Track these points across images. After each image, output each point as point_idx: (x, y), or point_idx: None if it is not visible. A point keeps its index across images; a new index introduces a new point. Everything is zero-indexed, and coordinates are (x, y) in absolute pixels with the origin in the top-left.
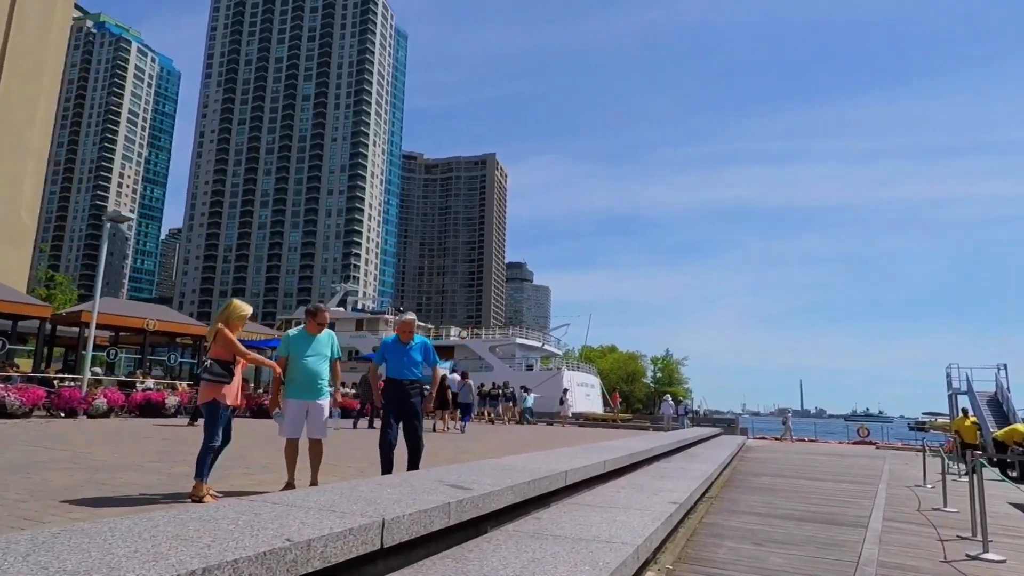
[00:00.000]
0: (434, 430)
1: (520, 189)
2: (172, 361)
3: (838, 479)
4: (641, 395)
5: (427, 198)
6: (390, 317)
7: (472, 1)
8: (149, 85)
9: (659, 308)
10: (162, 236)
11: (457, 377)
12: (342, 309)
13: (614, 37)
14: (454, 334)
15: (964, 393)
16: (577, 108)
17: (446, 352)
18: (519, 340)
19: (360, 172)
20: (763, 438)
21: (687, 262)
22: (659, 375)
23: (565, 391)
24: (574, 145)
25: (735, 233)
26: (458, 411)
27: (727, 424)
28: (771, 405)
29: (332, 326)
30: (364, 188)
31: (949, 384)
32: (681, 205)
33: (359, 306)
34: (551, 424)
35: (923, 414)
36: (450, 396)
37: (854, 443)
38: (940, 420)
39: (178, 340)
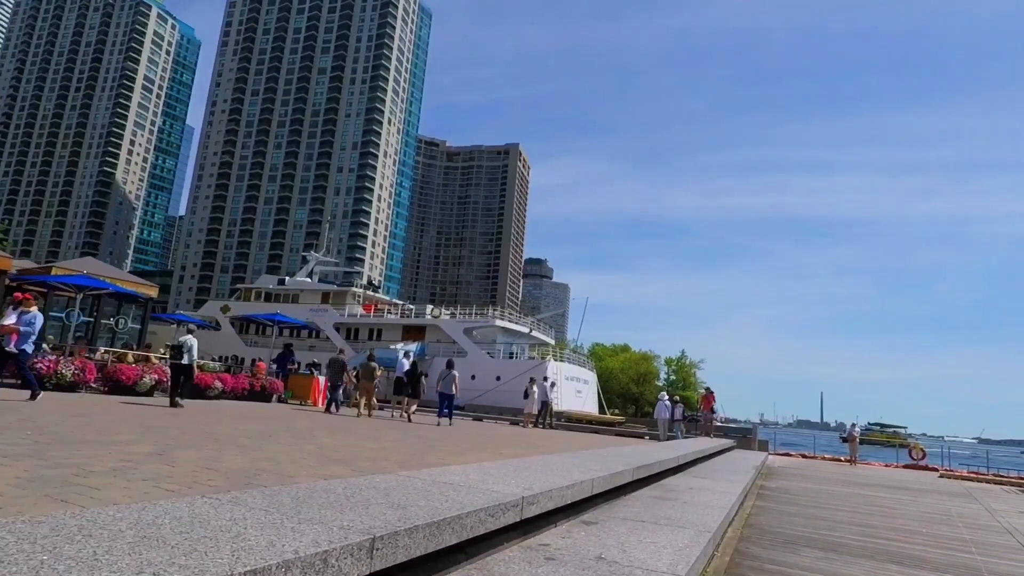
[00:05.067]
0: (409, 420)
1: (547, 188)
2: (73, 319)
3: (956, 555)
4: (652, 397)
5: (447, 186)
6: (359, 291)
7: None
8: (167, 52)
9: (680, 313)
10: (181, 211)
11: (406, 363)
12: (309, 280)
13: (650, 39)
14: (428, 312)
15: None
16: (610, 109)
17: (416, 333)
18: (500, 323)
19: (372, 151)
20: (787, 454)
21: (712, 268)
22: (672, 377)
23: (531, 381)
24: (604, 146)
25: (763, 242)
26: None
27: (742, 435)
28: (789, 416)
29: (296, 299)
30: (376, 167)
31: None
32: (710, 211)
33: (356, 285)
34: (513, 423)
35: (869, 424)
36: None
37: (905, 467)
38: (895, 432)
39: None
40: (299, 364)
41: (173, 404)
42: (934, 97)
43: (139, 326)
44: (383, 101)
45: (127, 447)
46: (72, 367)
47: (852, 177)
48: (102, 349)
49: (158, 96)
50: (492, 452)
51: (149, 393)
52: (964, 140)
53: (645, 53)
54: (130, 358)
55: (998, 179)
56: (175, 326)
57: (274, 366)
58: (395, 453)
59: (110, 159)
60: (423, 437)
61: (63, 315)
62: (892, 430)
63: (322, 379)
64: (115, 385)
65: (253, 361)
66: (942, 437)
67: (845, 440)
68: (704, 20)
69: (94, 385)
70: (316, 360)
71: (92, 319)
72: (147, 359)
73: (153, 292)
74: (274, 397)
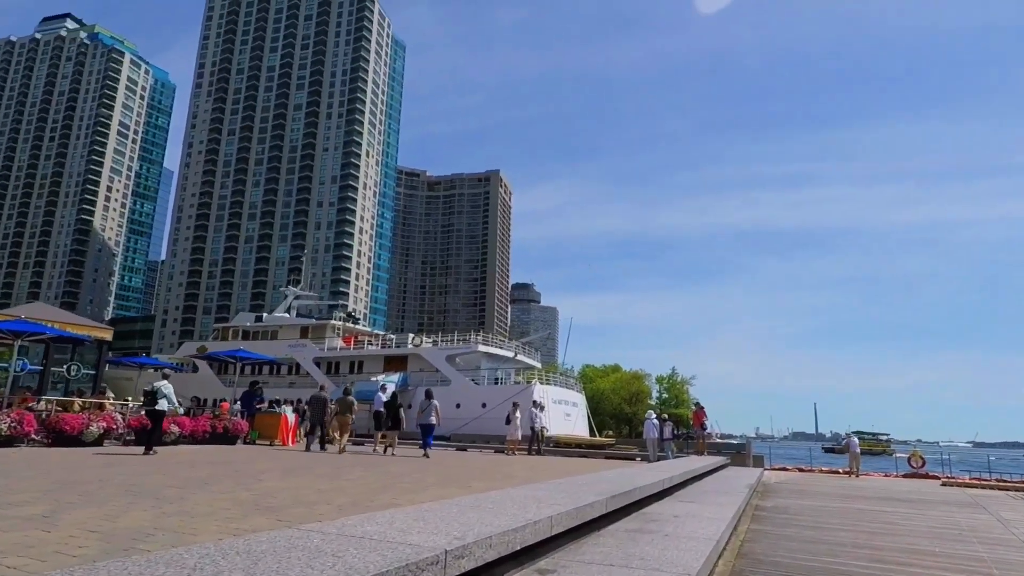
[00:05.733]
0: (385, 452)
1: (532, 213)
2: (18, 368)
3: None
4: (645, 417)
5: (429, 216)
6: (338, 324)
7: (487, 26)
8: (142, 97)
9: (671, 331)
10: (162, 256)
11: (383, 396)
12: (287, 315)
13: (630, 62)
14: (409, 341)
15: None
16: (592, 132)
17: (397, 363)
18: (483, 348)
19: (352, 183)
20: (783, 468)
21: (700, 285)
22: (664, 395)
23: (514, 406)
24: (588, 169)
25: (749, 257)
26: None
27: (736, 451)
28: (785, 429)
29: (275, 335)
30: (356, 200)
31: None
32: (695, 228)
33: (335, 318)
34: (498, 451)
35: (847, 433)
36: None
37: (905, 476)
38: (877, 439)
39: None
40: (266, 402)
41: (147, 451)
42: (908, 109)
43: (95, 372)
44: (360, 134)
45: (11, 509)
46: (8, 420)
47: (831, 189)
48: (44, 399)
49: (134, 141)
50: (459, 487)
51: (98, 442)
52: (939, 149)
53: (626, 76)
54: (76, 406)
55: (972, 186)
56: (151, 370)
57: (237, 405)
58: (344, 495)
59: (87, 207)
60: (389, 473)
61: (8, 365)
62: (874, 437)
63: (290, 416)
64: (59, 436)
65: (215, 402)
66: (937, 442)
67: (829, 451)
68: (683, 43)
69: (36, 438)
70: (278, 397)
71: (42, 367)
72: (100, 407)
73: (107, 335)
74: (239, 439)
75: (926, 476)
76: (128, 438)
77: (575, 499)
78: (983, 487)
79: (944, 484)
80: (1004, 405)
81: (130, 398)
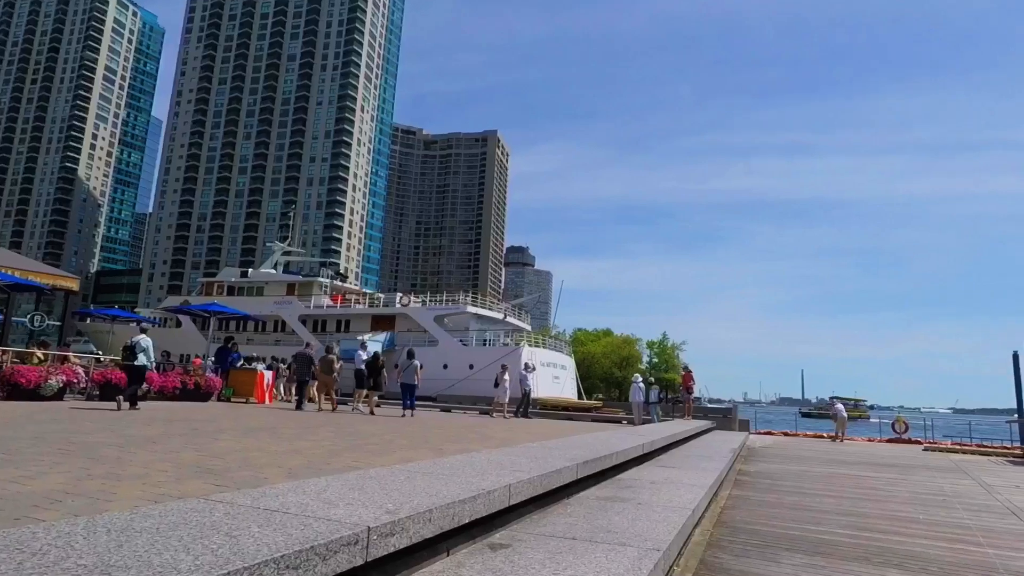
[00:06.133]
0: (371, 413)
1: (529, 176)
2: None
3: (965, 550)
4: (632, 380)
5: (425, 175)
6: (325, 281)
7: None
8: (129, 41)
9: (666, 296)
10: (149, 208)
11: (363, 354)
12: (273, 271)
13: (631, 26)
14: (397, 300)
15: None
16: (591, 96)
17: (385, 323)
18: (472, 309)
19: (346, 139)
20: (769, 433)
21: (695, 252)
22: (655, 360)
23: (503, 368)
24: (586, 133)
25: (745, 224)
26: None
27: (722, 415)
28: (772, 394)
29: (261, 291)
30: (349, 156)
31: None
32: (693, 195)
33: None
34: (483, 412)
35: (831, 398)
36: (384, 375)
37: (888, 441)
38: (855, 404)
39: None
40: (240, 358)
41: (132, 406)
42: (911, 80)
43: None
44: (355, 88)
45: None
46: None
47: (830, 159)
48: (0, 349)
49: (121, 87)
50: (430, 449)
51: (58, 396)
52: (938, 122)
53: (629, 39)
54: (35, 358)
55: (970, 160)
56: (132, 324)
57: (210, 361)
58: (300, 457)
59: (71, 154)
60: (358, 433)
61: None
62: (854, 404)
63: (267, 373)
64: (15, 389)
65: (188, 357)
66: (919, 408)
67: (806, 415)
68: (689, 5)
69: None
70: (255, 354)
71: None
72: (65, 359)
73: (72, 285)
74: (212, 396)
75: (909, 441)
76: (93, 393)
77: (543, 465)
78: (964, 452)
79: (926, 449)
80: (983, 373)
81: (100, 352)
